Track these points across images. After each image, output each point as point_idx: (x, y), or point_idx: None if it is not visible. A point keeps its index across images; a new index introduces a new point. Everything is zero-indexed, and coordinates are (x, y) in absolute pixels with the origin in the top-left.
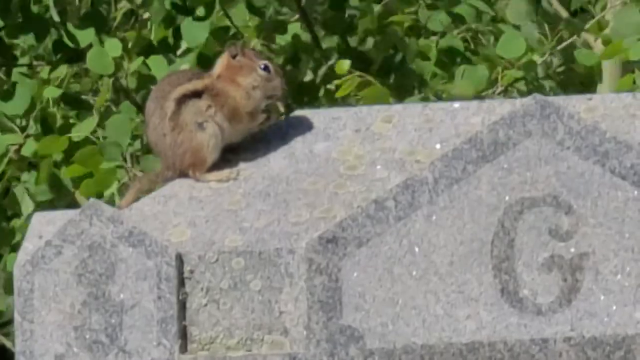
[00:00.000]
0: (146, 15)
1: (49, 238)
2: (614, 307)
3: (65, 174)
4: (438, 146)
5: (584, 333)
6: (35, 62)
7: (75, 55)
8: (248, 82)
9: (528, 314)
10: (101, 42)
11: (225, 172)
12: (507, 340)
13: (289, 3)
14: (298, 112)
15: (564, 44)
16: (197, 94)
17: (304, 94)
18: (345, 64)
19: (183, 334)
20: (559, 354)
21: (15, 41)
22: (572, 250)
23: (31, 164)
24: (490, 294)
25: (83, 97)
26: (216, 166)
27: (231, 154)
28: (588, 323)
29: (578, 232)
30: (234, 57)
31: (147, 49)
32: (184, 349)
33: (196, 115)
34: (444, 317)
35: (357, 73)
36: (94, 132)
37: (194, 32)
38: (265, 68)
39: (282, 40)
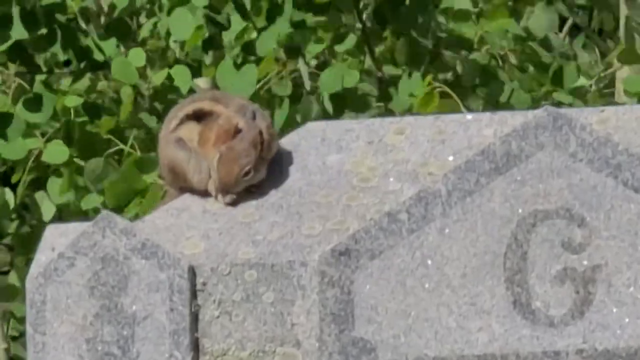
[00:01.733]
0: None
1: (62, 250)
2: (627, 320)
3: (108, 201)
4: (451, 158)
5: (597, 345)
6: (57, 71)
7: (99, 64)
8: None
9: (540, 326)
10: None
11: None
12: (520, 352)
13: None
14: (310, 125)
15: (611, 70)
16: (198, 116)
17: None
18: (428, 78)
19: (195, 346)
20: None
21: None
22: (585, 262)
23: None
24: (503, 306)
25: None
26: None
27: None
28: (600, 335)
29: (591, 244)
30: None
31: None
32: None
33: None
34: (456, 329)
35: (436, 85)
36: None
37: (265, 42)
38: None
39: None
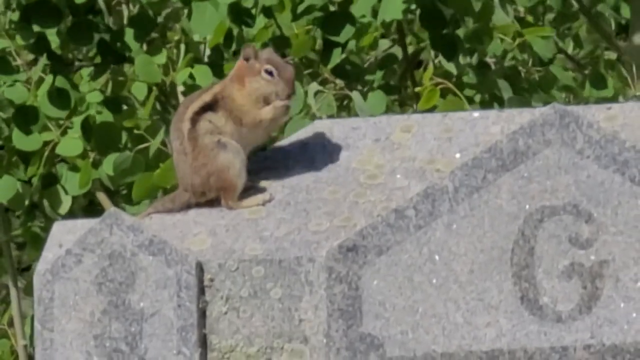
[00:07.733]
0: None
1: (69, 247)
2: (634, 315)
3: (135, 194)
4: (458, 155)
5: (604, 341)
6: (79, 64)
7: (121, 57)
8: (251, 86)
9: (548, 322)
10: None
11: (259, 197)
12: (527, 348)
13: None
14: (317, 123)
15: None
16: (208, 107)
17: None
18: (429, 72)
19: (203, 343)
20: None
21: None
22: (592, 258)
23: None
24: (510, 302)
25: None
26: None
27: (250, 178)
28: (608, 330)
29: (598, 240)
30: (247, 59)
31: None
32: (204, 357)
33: (212, 131)
34: (464, 325)
35: (439, 80)
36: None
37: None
38: (269, 73)
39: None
